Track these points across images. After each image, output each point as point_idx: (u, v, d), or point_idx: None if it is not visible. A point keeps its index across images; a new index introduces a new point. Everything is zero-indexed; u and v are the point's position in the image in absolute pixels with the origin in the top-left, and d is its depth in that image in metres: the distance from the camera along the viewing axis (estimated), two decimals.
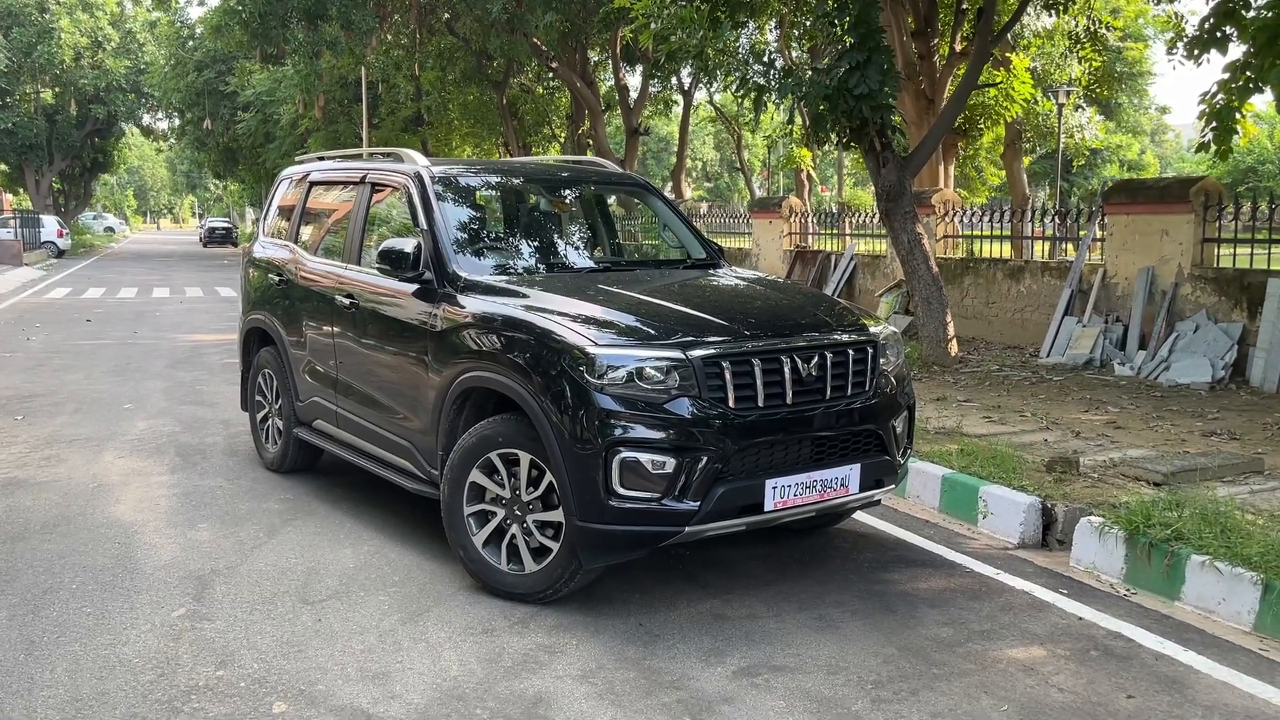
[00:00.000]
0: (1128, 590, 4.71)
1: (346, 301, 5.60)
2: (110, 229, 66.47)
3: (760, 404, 4.20)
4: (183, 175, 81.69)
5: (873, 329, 4.77)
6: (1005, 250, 13.63)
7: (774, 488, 4.22)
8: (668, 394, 4.08)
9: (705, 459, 4.07)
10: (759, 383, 4.20)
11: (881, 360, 4.69)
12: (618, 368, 4.07)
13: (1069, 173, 37.53)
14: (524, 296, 4.68)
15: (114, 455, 7.10)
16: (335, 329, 5.74)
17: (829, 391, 4.40)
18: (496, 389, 4.44)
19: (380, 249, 5.09)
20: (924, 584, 4.74)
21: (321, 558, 5.01)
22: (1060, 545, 5.36)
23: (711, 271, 5.65)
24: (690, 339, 4.22)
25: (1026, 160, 30.71)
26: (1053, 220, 12.58)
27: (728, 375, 4.14)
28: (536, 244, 5.71)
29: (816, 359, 4.37)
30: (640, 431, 4.04)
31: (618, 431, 4.04)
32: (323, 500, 6.01)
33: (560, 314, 4.41)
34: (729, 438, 4.11)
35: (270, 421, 6.70)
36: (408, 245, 5.01)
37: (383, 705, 3.54)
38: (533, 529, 4.39)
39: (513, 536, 4.46)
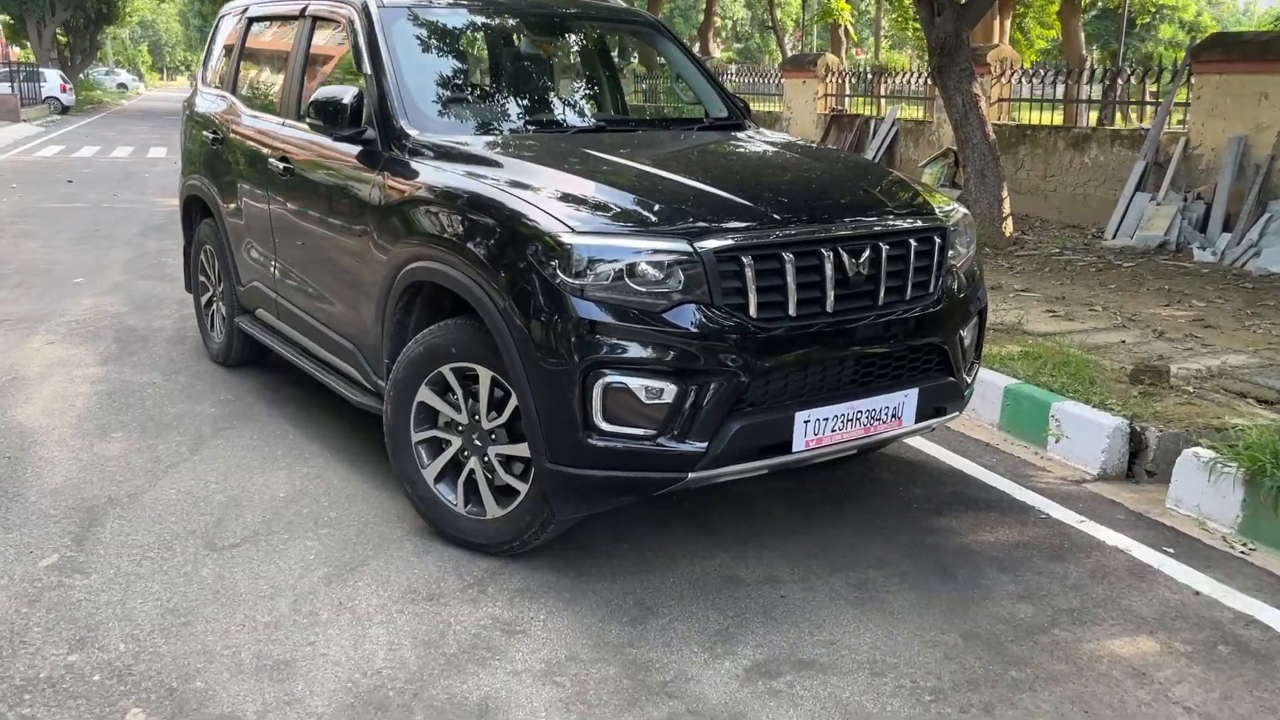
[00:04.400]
0: (1245, 546, 3.73)
1: (281, 166, 4.54)
2: (123, 85, 64.51)
3: (792, 313, 3.16)
4: (195, 30, 79.02)
5: (940, 209, 3.68)
6: (1056, 118, 12.23)
7: (806, 421, 3.22)
8: (668, 299, 3.05)
9: (716, 386, 3.07)
10: (791, 284, 3.15)
11: (950, 253, 3.62)
12: (602, 263, 3.03)
13: (1128, 32, 34.99)
14: (491, 164, 3.61)
15: (43, 340, 6.18)
16: (271, 200, 4.69)
17: (881, 295, 3.35)
18: (449, 286, 3.42)
19: (313, 99, 3.99)
20: (989, 535, 3.78)
21: (248, 482, 4.10)
22: (1150, 477, 4.37)
23: (734, 134, 4.52)
24: (701, 225, 3.15)
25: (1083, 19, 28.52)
26: (1126, 81, 11.17)
27: (749, 274, 3.09)
28: (515, 96, 4.55)
29: (867, 252, 3.30)
30: (631, 349, 3.03)
31: (601, 349, 3.02)
32: (268, 402, 5.08)
33: (533, 188, 3.35)
34: (749, 358, 3.09)
35: (215, 307, 5.73)
36: (346, 95, 3.91)
37: (273, 717, 2.65)
38: (496, 465, 3.43)
39: (471, 472, 3.51)
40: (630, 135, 4.39)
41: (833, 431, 3.30)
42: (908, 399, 3.46)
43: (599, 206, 3.24)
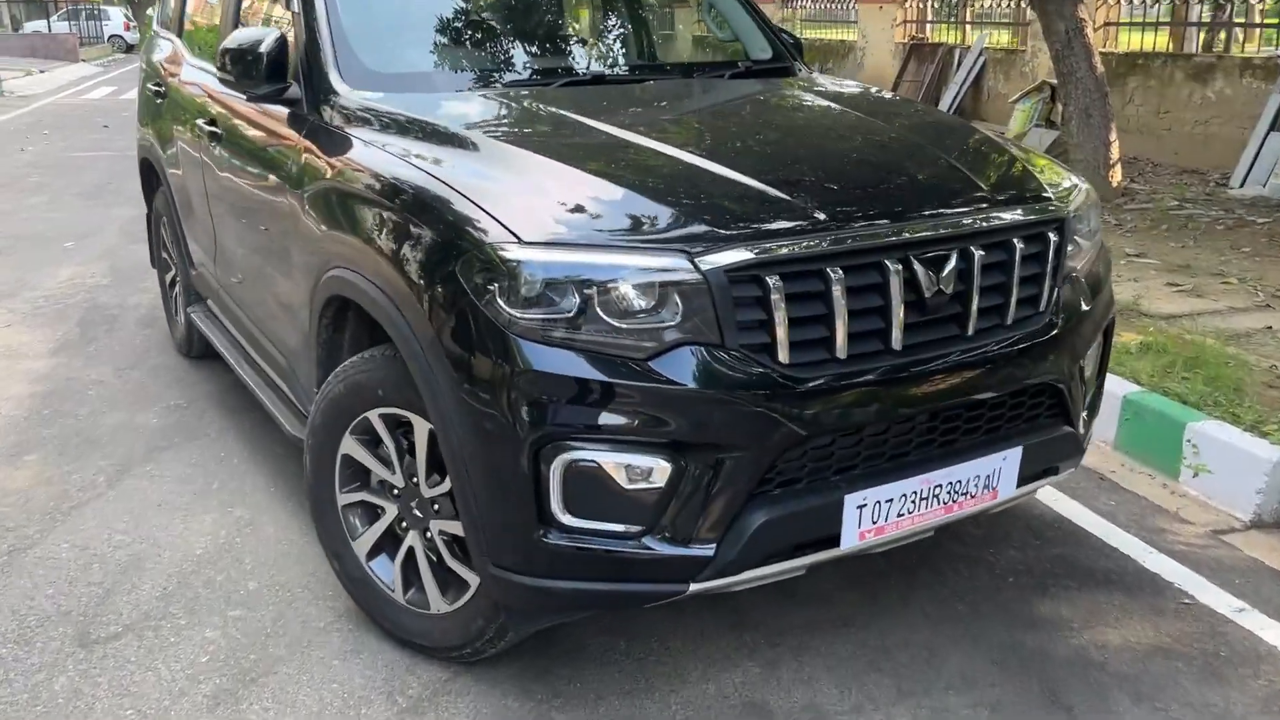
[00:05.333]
0: None
1: (209, 129, 3.65)
2: None
3: (840, 354, 2.19)
4: None
5: (1055, 190, 2.65)
6: (1162, 42, 10.63)
7: (861, 506, 2.27)
8: (658, 339, 2.09)
9: (730, 463, 2.12)
10: (840, 313, 2.17)
11: (1068, 251, 2.59)
12: (562, 286, 2.08)
13: None
14: (435, 138, 2.67)
15: (1, 321, 5.45)
16: (205, 171, 3.82)
17: (972, 322, 2.35)
18: (363, 305, 2.51)
19: (223, 44, 3.07)
20: (1113, 632, 2.79)
21: (163, 532, 3.29)
22: None
23: (776, 85, 3.49)
24: (708, 229, 2.18)
25: None
26: None
27: (778, 300, 2.12)
28: (488, 40, 3.55)
29: (953, 261, 2.30)
30: (604, 411, 2.09)
31: (561, 412, 2.09)
32: (223, 410, 4.26)
33: (480, 172, 2.42)
34: (778, 421, 2.13)
35: (177, 288, 4.91)
36: (265, 39, 2.99)
37: None
38: (439, 543, 2.54)
39: (411, 549, 2.63)
40: (635, 88, 3.36)
41: (899, 516, 2.33)
42: (1006, 462, 2.47)
43: (567, 204, 2.28)
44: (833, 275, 2.16)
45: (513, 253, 2.10)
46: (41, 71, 22.86)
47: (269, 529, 3.32)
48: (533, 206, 2.25)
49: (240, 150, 3.39)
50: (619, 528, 2.15)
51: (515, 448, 2.11)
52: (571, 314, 2.08)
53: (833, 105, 3.23)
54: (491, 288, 2.10)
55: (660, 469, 2.11)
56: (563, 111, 2.86)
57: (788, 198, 2.30)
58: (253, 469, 3.74)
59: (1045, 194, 2.59)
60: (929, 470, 2.34)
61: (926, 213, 2.35)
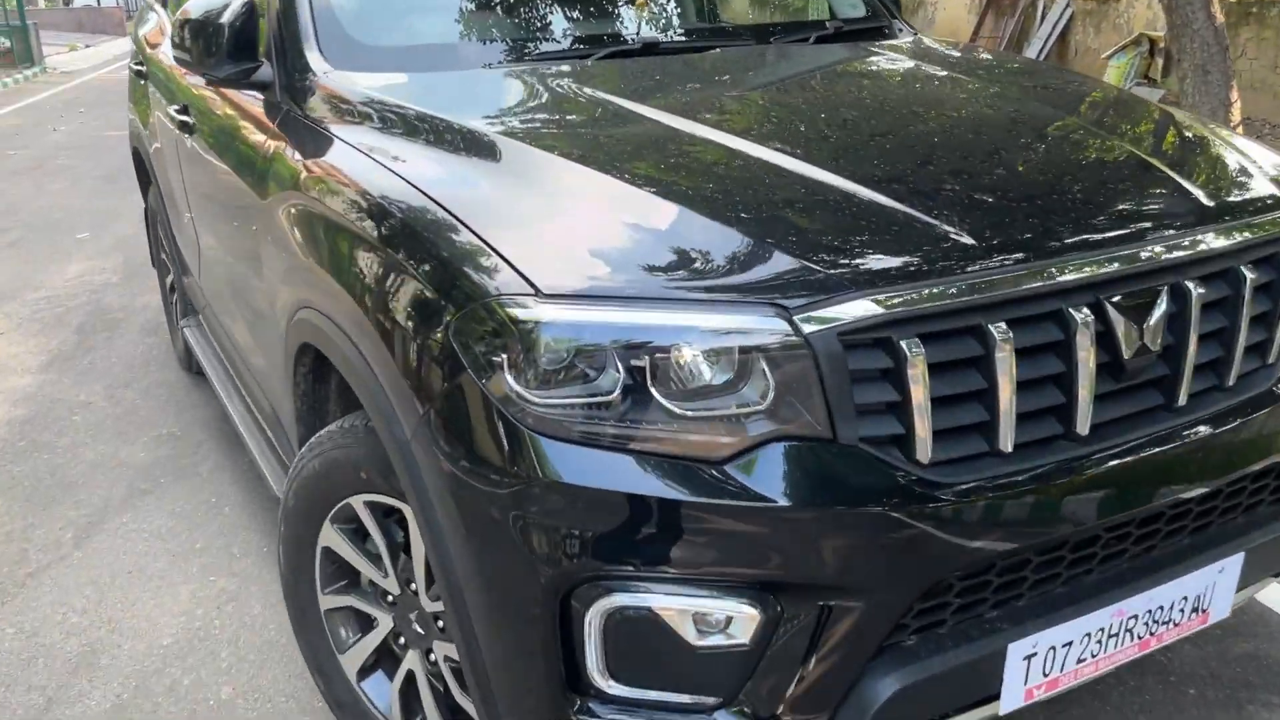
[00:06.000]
0: None
1: (180, 118, 3.04)
2: None
3: (1005, 445, 1.50)
4: None
5: None
6: None
7: (1030, 656, 1.59)
8: (737, 431, 1.43)
9: (845, 610, 1.45)
10: (1006, 387, 1.48)
11: None
12: (597, 355, 1.42)
13: None
14: (436, 133, 2.02)
15: None
16: (181, 165, 3.22)
17: (1185, 385, 1.65)
18: (335, 362, 1.88)
19: (180, 14, 2.44)
20: None
21: (128, 611, 2.72)
22: None
23: (878, 50, 2.76)
24: (810, 268, 1.50)
25: None
26: None
27: (916, 372, 1.43)
28: (509, 2, 2.84)
29: (1164, 304, 1.60)
30: (660, 539, 1.43)
31: (597, 541, 1.43)
32: (220, 440, 3.69)
33: (490, 188, 1.78)
34: (917, 548, 1.45)
35: (176, 294, 4.34)
36: (229, 8, 2.34)
37: None
38: (445, 670, 1.92)
39: (411, 673, 2.01)
40: (699, 63, 2.61)
41: (1079, 663, 1.65)
42: (1224, 574, 1.77)
43: (609, 235, 1.62)
44: (995, 333, 1.47)
45: (528, 309, 1.45)
46: (87, 46, 22.63)
47: (255, 607, 2.73)
48: (561, 239, 1.60)
49: (212, 145, 2.78)
50: (685, 699, 1.50)
51: (535, 591, 1.46)
52: (612, 397, 1.42)
53: (961, 78, 2.50)
54: (498, 360, 1.45)
55: (744, 618, 1.45)
56: (606, 95, 2.18)
57: (925, 218, 1.60)
58: (245, 521, 3.15)
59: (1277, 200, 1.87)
60: (1120, 598, 1.65)
61: (1122, 235, 1.65)
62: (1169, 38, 7.29)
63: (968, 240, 1.57)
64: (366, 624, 2.09)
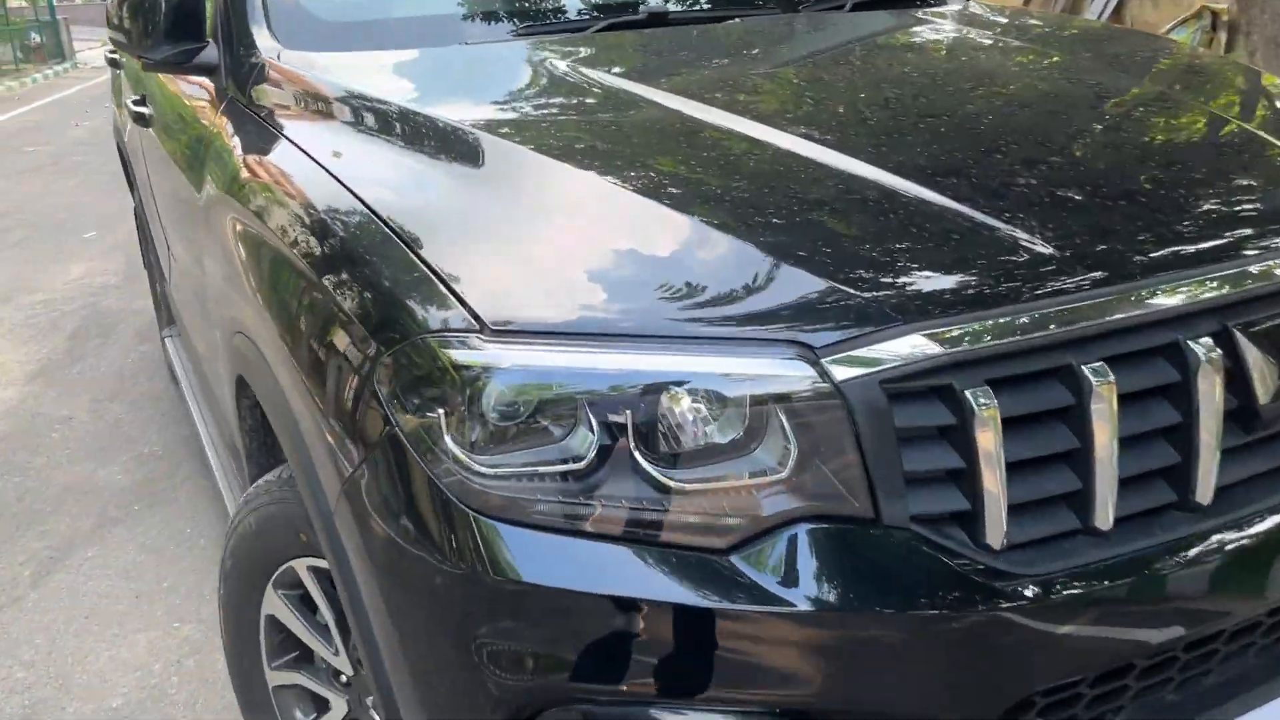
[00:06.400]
0: None
1: (137, 109, 2.73)
2: None
3: (1103, 521, 1.13)
4: None
5: None
6: None
7: None
8: (748, 509, 1.07)
9: None
10: (1105, 446, 1.12)
11: None
12: (563, 408, 1.08)
13: None
14: (388, 124, 1.68)
15: None
16: (144, 157, 2.92)
17: None
18: (261, 402, 1.56)
19: None
20: None
21: (81, 665, 2.43)
22: None
23: (923, 20, 2.37)
24: (843, 292, 1.14)
25: None
26: None
27: (985, 431, 1.07)
28: None
29: None
30: (647, 654, 1.08)
31: (567, 659, 1.09)
32: (202, 461, 3.36)
33: (441, 194, 1.44)
34: (987, 659, 1.10)
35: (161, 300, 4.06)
36: None
37: None
38: None
39: None
40: (714, 36, 2.22)
41: None
42: None
43: (587, 253, 1.27)
44: (1090, 375, 1.11)
45: (472, 350, 1.11)
46: None
47: (219, 661, 2.39)
48: (527, 259, 1.25)
49: (164, 140, 2.47)
50: None
51: (489, 717, 1.12)
52: (584, 464, 1.07)
53: (1026, 46, 2.11)
54: (433, 415, 1.11)
55: None
56: (603, 75, 1.83)
57: (993, 222, 1.24)
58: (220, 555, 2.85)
59: None
60: (1240, 711, 1.29)
61: (1253, 241, 1.27)
62: (1237, 10, 6.79)
63: (1049, 251, 1.20)
64: (322, 705, 1.76)
